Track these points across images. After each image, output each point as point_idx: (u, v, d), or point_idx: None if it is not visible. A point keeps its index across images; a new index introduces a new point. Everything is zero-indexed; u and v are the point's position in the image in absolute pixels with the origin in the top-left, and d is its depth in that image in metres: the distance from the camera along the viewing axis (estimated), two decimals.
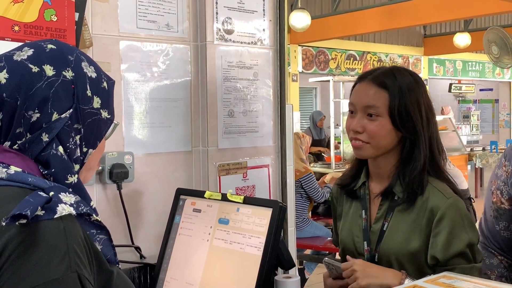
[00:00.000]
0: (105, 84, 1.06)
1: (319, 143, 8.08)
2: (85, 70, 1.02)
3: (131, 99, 1.74)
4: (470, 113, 14.62)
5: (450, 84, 15.68)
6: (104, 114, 1.05)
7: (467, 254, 1.46)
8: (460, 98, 16.55)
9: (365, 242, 1.57)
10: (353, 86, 1.62)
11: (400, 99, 1.51)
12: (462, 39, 10.98)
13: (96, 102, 1.03)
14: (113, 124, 1.10)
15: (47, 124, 0.96)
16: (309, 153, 6.32)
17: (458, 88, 15.87)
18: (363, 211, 1.60)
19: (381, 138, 1.52)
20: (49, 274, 0.84)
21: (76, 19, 1.54)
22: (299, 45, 11.26)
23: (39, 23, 1.47)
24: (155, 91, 1.79)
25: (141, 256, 1.72)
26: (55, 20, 1.49)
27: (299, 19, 7.75)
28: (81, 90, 1.00)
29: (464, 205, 1.53)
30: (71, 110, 0.98)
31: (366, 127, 1.52)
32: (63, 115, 0.97)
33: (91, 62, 1.06)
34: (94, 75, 1.04)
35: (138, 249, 1.72)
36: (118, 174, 1.68)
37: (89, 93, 1.01)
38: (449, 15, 9.62)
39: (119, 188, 1.68)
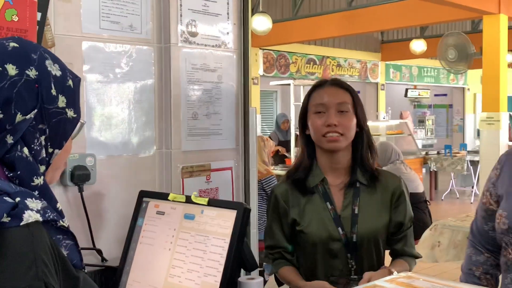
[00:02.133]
0: (70, 82, 1.04)
1: (286, 144, 8.14)
2: (49, 69, 0.99)
3: (93, 101, 1.72)
4: (425, 118, 14.95)
5: (406, 89, 16.02)
6: (70, 113, 1.03)
7: (411, 219, 1.87)
8: (416, 103, 16.92)
9: (339, 228, 1.75)
10: (311, 92, 1.84)
11: (357, 98, 1.82)
12: (418, 45, 11.24)
13: (62, 101, 1.00)
14: (79, 123, 1.07)
15: (11, 125, 0.93)
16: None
17: (414, 93, 16.22)
18: (327, 203, 1.78)
19: (351, 131, 1.78)
20: (16, 283, 0.82)
21: (38, 19, 1.51)
22: (260, 49, 11.33)
23: (0, 23, 1.43)
24: (118, 92, 1.78)
25: (103, 259, 1.70)
26: (16, 20, 1.45)
27: (260, 23, 7.80)
28: (45, 90, 0.97)
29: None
30: (36, 110, 0.95)
31: (340, 122, 1.75)
32: (27, 116, 0.94)
33: (56, 60, 1.03)
34: (58, 73, 1.01)
35: (99, 252, 1.69)
36: (79, 176, 1.65)
37: (53, 92, 0.99)
38: (406, 21, 9.84)
39: (81, 190, 1.66)
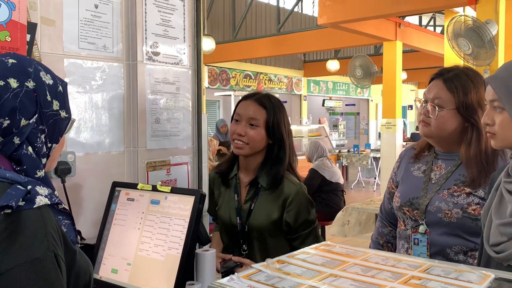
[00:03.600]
0: (60, 88, 1.04)
1: (225, 145, 8.15)
2: (43, 79, 1.00)
3: (73, 107, 1.67)
4: (338, 123, 15.24)
5: (323, 100, 16.32)
6: (63, 113, 1.04)
7: (308, 223, 1.75)
8: (331, 111, 17.27)
9: (238, 217, 1.79)
10: (239, 102, 1.83)
11: (273, 116, 1.75)
12: (333, 64, 11.51)
13: (56, 105, 1.01)
14: (70, 121, 1.08)
15: (17, 129, 0.94)
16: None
17: (330, 103, 16.57)
18: (235, 195, 1.81)
19: (256, 142, 1.74)
20: (32, 254, 0.84)
21: (28, 40, 1.50)
22: (205, 65, 11.27)
23: None
24: (93, 101, 1.77)
25: (81, 238, 1.68)
26: (9, 40, 1.43)
27: (206, 44, 7.77)
28: (42, 97, 0.98)
29: (305, 189, 1.79)
30: (36, 115, 0.96)
31: (247, 133, 1.74)
32: (30, 121, 0.95)
33: (47, 71, 1.03)
34: (51, 82, 1.01)
35: (79, 232, 1.68)
36: (62, 170, 1.64)
37: (49, 98, 0.99)
38: (323, 45, 10.06)
39: (63, 181, 1.65)
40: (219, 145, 7.70)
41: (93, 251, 1.60)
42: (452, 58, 6.25)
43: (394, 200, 1.74)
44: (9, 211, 0.82)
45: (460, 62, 5.74)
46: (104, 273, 1.54)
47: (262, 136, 1.74)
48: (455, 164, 1.62)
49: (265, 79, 13.26)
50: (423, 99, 1.66)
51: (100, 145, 1.79)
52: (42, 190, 0.91)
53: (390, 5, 6.74)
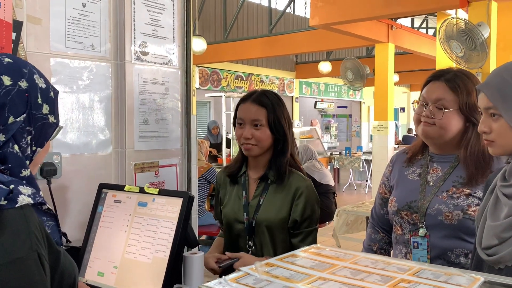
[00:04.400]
0: (52, 93, 1.05)
1: (217, 146, 8.14)
2: (36, 82, 1.00)
3: (59, 108, 1.68)
4: (330, 125, 15.32)
5: (315, 102, 16.36)
6: (51, 119, 1.04)
7: (312, 221, 1.77)
8: (323, 113, 17.32)
9: (245, 213, 1.79)
10: (238, 105, 1.85)
11: (273, 113, 1.79)
12: (325, 66, 11.55)
13: (45, 109, 1.01)
14: (58, 127, 1.08)
15: (3, 126, 0.93)
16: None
17: (322, 105, 16.63)
18: (243, 191, 1.83)
19: (263, 141, 1.78)
20: (14, 254, 0.83)
21: (13, 38, 1.48)
22: (196, 66, 11.26)
23: None
24: (80, 101, 1.75)
25: (67, 241, 1.67)
26: None
27: (197, 44, 7.77)
28: (33, 98, 0.98)
29: (313, 185, 1.82)
30: (25, 114, 0.96)
31: (254, 134, 1.77)
32: (18, 119, 0.95)
33: (41, 75, 1.04)
34: (44, 86, 1.02)
35: (65, 234, 1.66)
36: (47, 171, 1.63)
37: (40, 101, 1.00)
38: (315, 47, 10.08)
39: (49, 183, 1.63)
40: (210, 147, 7.69)
41: (79, 253, 1.58)
42: (444, 60, 6.29)
43: (390, 204, 1.73)
44: None
45: (452, 65, 5.78)
46: (90, 276, 1.53)
47: (268, 134, 1.78)
48: (452, 166, 1.63)
49: (257, 80, 13.27)
50: (421, 101, 1.66)
51: (87, 146, 1.78)
52: (25, 189, 0.90)
53: (382, 7, 6.77)
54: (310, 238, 1.76)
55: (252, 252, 1.77)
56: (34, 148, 1.02)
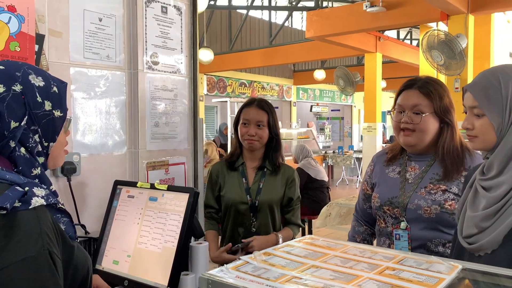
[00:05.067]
0: (55, 88, 0.98)
1: (224, 146, 8.13)
2: (32, 82, 0.94)
3: (78, 112, 1.68)
4: (325, 127, 15.30)
5: (311, 106, 16.36)
6: (57, 113, 0.98)
7: (298, 199, 2.05)
8: (318, 116, 17.35)
9: (248, 196, 1.99)
10: (242, 108, 2.05)
11: (272, 117, 2.02)
12: (319, 74, 11.56)
13: (48, 105, 0.95)
14: (66, 120, 1.02)
15: (8, 131, 0.89)
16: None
17: (317, 109, 16.63)
18: (243, 178, 2.02)
19: (264, 138, 2.01)
20: (27, 252, 0.81)
21: (36, 50, 1.47)
22: (204, 74, 11.28)
23: (6, 52, 1.38)
24: (98, 106, 1.74)
25: (86, 232, 1.66)
26: (18, 50, 1.40)
27: (205, 55, 7.77)
28: (31, 98, 0.93)
29: (298, 173, 2.11)
30: (26, 116, 0.91)
31: (257, 133, 1.99)
32: (22, 123, 0.90)
33: (39, 73, 0.97)
34: (42, 84, 0.95)
35: (83, 226, 1.66)
36: (68, 170, 1.62)
37: (39, 99, 0.94)
38: (311, 56, 10.10)
39: (69, 180, 1.62)
40: (219, 146, 7.68)
41: (96, 244, 1.57)
42: (426, 68, 6.26)
43: (373, 200, 1.71)
44: (4, 212, 0.80)
45: (434, 72, 5.76)
46: (106, 264, 1.52)
47: (267, 133, 2.01)
48: (429, 164, 1.62)
49: (259, 87, 13.27)
50: (397, 109, 1.64)
51: (103, 146, 1.77)
52: (39, 191, 0.88)
53: (370, 20, 6.76)
54: (298, 212, 2.05)
55: (254, 226, 1.96)
56: (46, 143, 0.97)
